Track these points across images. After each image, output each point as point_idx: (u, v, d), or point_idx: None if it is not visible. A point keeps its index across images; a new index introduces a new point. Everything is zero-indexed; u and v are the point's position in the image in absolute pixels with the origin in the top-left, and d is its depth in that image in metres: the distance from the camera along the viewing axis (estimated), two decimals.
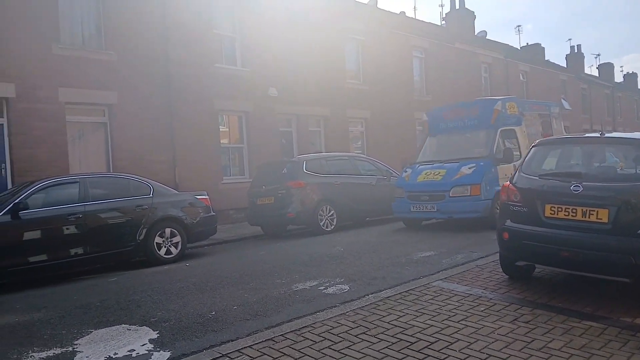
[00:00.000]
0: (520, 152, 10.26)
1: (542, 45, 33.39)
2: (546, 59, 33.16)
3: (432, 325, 4.09)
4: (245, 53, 14.85)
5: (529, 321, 4.08)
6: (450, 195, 9.47)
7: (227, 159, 14.91)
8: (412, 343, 3.74)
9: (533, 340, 3.68)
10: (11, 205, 6.99)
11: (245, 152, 14.98)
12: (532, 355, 3.43)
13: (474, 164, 9.60)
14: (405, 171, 10.79)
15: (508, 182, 5.31)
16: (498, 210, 9.04)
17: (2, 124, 10.46)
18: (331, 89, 16.96)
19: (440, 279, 5.52)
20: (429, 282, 5.43)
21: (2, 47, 10.28)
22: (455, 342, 3.72)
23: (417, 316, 4.33)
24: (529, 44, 33.94)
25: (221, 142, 14.41)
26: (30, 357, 4.07)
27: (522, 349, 3.54)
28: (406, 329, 4.03)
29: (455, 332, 3.93)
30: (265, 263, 7.66)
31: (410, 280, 5.70)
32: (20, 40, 10.53)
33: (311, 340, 3.90)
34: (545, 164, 5.35)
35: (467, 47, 23.67)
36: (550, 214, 4.65)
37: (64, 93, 11.14)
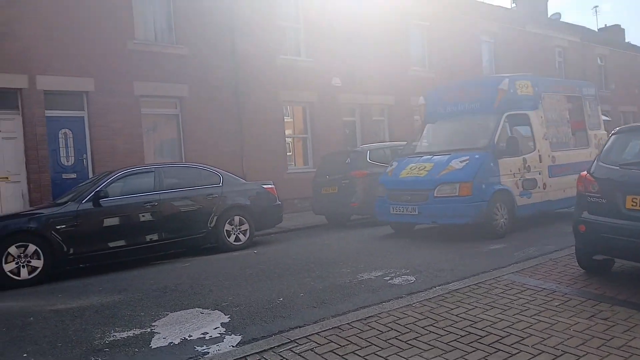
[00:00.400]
0: (534, 142, 8.63)
1: (622, 27, 31.23)
2: (627, 41, 31.01)
3: (502, 319, 3.98)
4: (309, 44, 14.94)
5: (608, 318, 3.88)
6: (435, 195, 7.76)
7: (291, 149, 15.14)
8: (482, 337, 3.66)
9: (612, 338, 3.50)
10: (92, 193, 7.46)
11: (309, 142, 15.13)
12: (610, 353, 3.27)
13: (467, 157, 7.84)
14: (391, 165, 9.06)
15: (585, 172, 5.05)
16: (497, 215, 7.74)
17: (83, 117, 11.15)
18: (395, 77, 16.74)
19: (512, 272, 5.35)
20: (499, 275, 5.29)
21: (82, 44, 10.94)
22: (527, 337, 3.61)
23: (487, 309, 4.23)
24: (608, 25, 31.86)
25: (286, 132, 14.65)
26: (113, 336, 4.34)
27: (600, 346, 3.38)
28: (475, 322, 3.95)
29: (528, 327, 3.80)
30: (330, 252, 7.74)
31: (480, 272, 5.56)
32: (98, 37, 11.15)
33: (377, 330, 3.91)
34: (626, 152, 5.04)
35: (539, 31, 22.57)
36: (632, 205, 4.38)
37: (139, 87, 11.71)
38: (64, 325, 4.74)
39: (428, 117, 9.73)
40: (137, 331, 4.42)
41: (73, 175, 10.89)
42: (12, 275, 6.63)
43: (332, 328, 3.99)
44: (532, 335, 3.64)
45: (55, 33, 10.60)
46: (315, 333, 3.91)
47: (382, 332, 3.85)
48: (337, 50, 15.25)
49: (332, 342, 3.72)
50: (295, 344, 3.71)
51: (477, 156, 7.81)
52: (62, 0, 10.71)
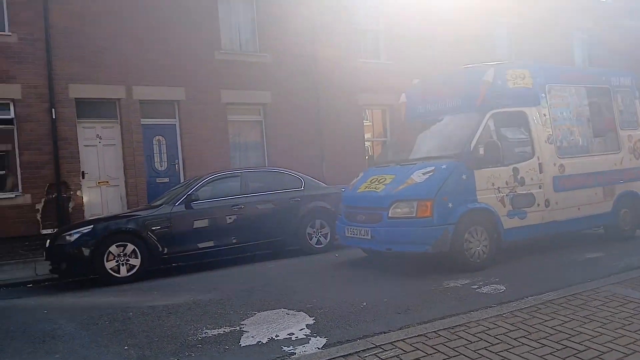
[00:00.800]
0: (532, 147, 6.92)
1: None
2: None
3: (603, 334, 3.73)
4: (389, 46, 14.81)
5: None
6: (389, 215, 6.30)
7: (370, 153, 15.09)
8: (580, 351, 3.45)
9: None
10: (185, 197, 7.88)
11: None
12: None
13: (433, 168, 6.32)
14: (357, 176, 7.70)
15: None
16: (470, 241, 6.18)
17: (175, 124, 11.80)
18: None
19: (612, 283, 5.01)
20: (598, 285, 4.96)
21: (174, 55, 11.58)
22: (632, 353, 3.36)
23: (585, 322, 3.98)
24: None
25: (365, 136, 14.64)
26: (205, 333, 4.54)
27: None
28: (572, 336, 3.73)
29: (632, 342, 3.53)
30: (412, 258, 7.60)
31: (576, 283, 5.24)
32: (188, 48, 11.76)
33: (466, 339, 3.79)
34: None
35: (638, 24, 20.90)
36: None
37: (226, 95, 12.21)
38: (160, 321, 5.03)
39: (408, 117, 8.30)
40: (227, 329, 4.59)
41: (166, 180, 11.54)
42: (112, 273, 7.15)
43: (417, 335, 3.93)
44: (636, 352, 3.38)
45: (149, 46, 11.31)
46: (401, 340, 3.86)
47: (471, 342, 3.73)
48: (417, 51, 14.98)
49: (418, 349, 3.66)
50: (381, 350, 3.69)
51: (444, 166, 6.29)
52: (154, 16, 11.41)
